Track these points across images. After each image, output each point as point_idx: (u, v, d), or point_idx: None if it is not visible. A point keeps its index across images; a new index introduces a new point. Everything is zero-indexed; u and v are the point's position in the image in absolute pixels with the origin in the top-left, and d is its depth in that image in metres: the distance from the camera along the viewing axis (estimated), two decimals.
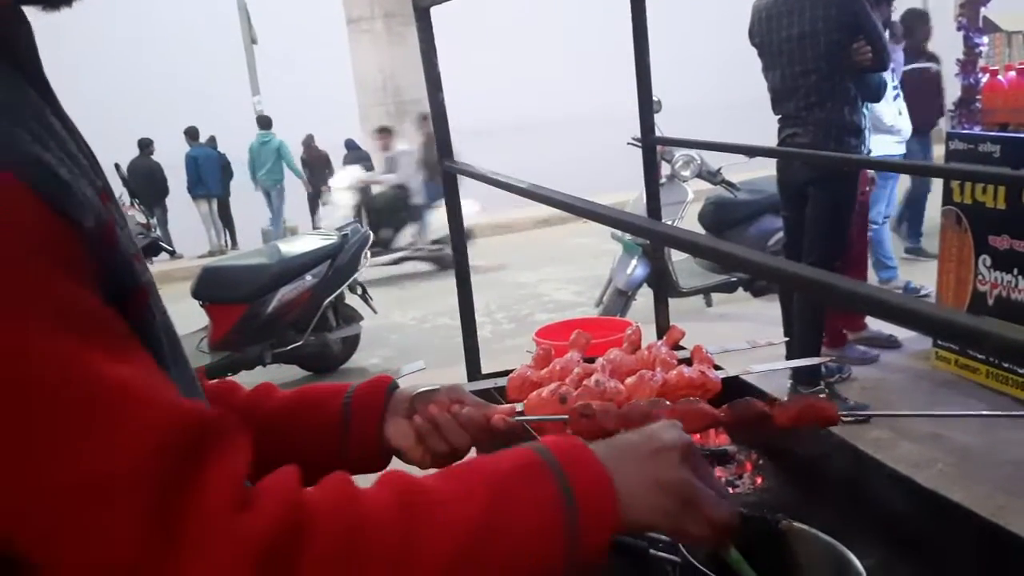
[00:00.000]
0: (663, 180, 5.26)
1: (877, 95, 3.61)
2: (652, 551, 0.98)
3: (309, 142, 13.47)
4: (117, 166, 9.83)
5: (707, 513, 0.74)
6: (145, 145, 12.14)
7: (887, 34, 4.78)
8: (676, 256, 5.18)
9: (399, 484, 0.64)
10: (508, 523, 0.64)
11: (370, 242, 5.45)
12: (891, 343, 4.24)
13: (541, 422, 1.24)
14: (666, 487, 0.72)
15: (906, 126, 4.76)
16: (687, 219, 5.37)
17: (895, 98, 4.68)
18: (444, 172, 1.40)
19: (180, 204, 12.64)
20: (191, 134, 12.50)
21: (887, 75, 4.22)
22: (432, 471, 0.73)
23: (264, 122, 12.10)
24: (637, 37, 1.53)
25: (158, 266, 9.07)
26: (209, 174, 12.32)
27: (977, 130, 3.75)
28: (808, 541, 1.03)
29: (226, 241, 12.91)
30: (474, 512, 0.63)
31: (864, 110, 3.53)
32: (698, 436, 1.44)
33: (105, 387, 0.53)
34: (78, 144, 0.66)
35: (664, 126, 4.99)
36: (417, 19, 1.36)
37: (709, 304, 5.72)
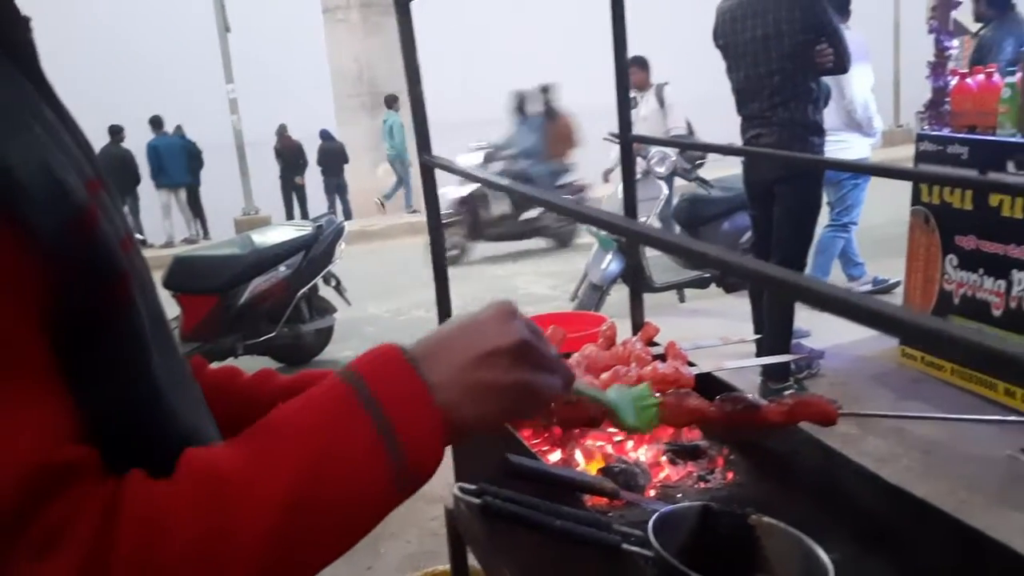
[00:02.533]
0: (639, 176, 5.29)
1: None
2: (625, 545, 0.99)
3: (282, 132, 13.37)
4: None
5: (545, 398, 0.72)
6: (116, 132, 11.99)
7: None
8: (650, 252, 5.22)
9: (198, 474, 0.59)
10: (322, 476, 0.60)
11: (344, 233, 5.43)
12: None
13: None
14: (499, 392, 0.68)
15: (880, 127, 4.83)
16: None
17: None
18: (422, 165, 1.40)
19: (152, 193, 12.51)
20: (155, 123, 12.36)
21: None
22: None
23: (390, 101, 12.18)
24: (616, 34, 1.54)
25: None
26: (171, 163, 12.20)
27: (946, 132, 3.81)
28: (776, 535, 1.05)
29: (197, 231, 12.80)
30: (281, 483, 0.59)
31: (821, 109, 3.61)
32: (671, 430, 1.46)
33: None
34: (72, 133, 0.66)
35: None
36: (397, 13, 1.36)
37: (682, 300, 5.77)
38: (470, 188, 8.44)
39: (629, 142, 1.62)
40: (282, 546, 0.58)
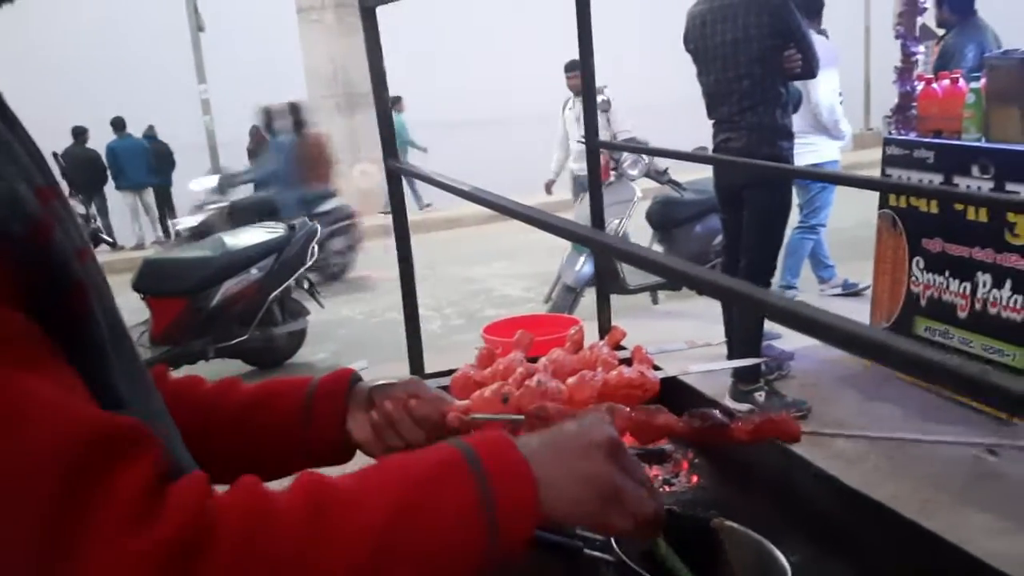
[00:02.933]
0: (611, 179, 5.32)
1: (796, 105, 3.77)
2: (586, 550, 1.00)
3: (255, 133, 13.29)
4: (55, 155, 9.57)
5: (632, 508, 0.75)
6: (79, 133, 11.82)
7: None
8: None
9: (310, 486, 0.63)
10: (419, 523, 0.64)
11: (318, 235, 5.41)
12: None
13: (495, 420, 1.25)
14: (590, 481, 0.73)
15: (848, 132, 4.89)
16: (635, 217, 5.44)
17: (842, 103, 4.81)
18: (388, 171, 1.40)
19: (116, 195, 12.37)
20: (117, 125, 12.20)
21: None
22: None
23: (394, 101, 12.00)
24: (582, 40, 1.55)
25: (98, 257, 8.86)
26: (130, 165, 12.06)
27: (913, 136, 3.86)
28: (737, 538, 1.06)
29: (167, 232, 12.68)
30: (382, 514, 0.63)
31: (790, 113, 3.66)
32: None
33: (5, 396, 0.53)
34: (22, 141, 0.66)
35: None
36: (363, 19, 1.36)
37: (655, 301, 5.80)
38: None
39: (596, 148, 1.63)
40: (366, 571, 0.61)
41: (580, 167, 6.32)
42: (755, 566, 1.04)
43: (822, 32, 4.72)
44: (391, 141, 1.41)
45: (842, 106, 4.82)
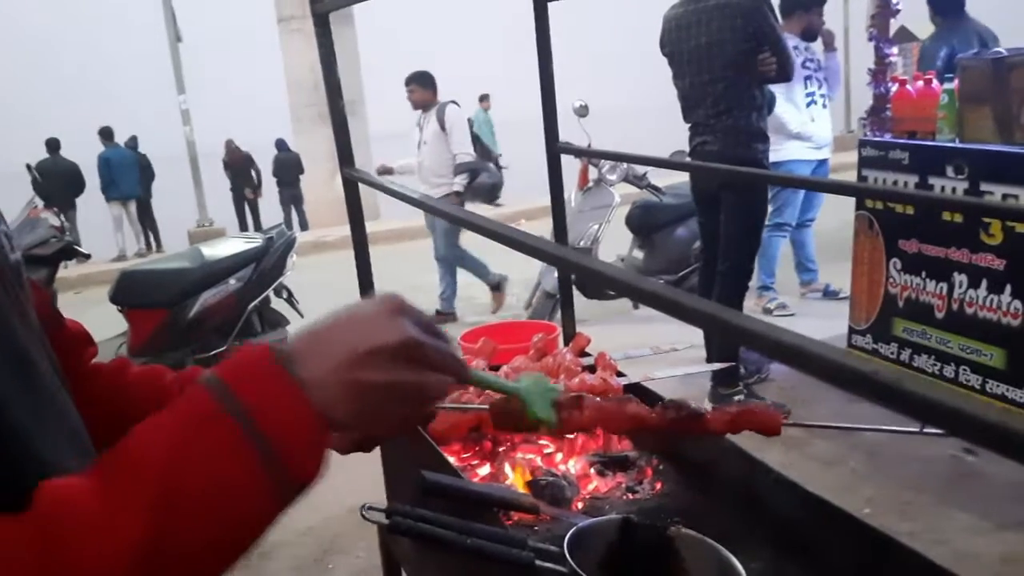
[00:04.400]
0: (590, 184, 5.31)
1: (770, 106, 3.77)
2: (539, 562, 0.98)
3: (229, 145, 13.27)
4: (29, 167, 9.48)
5: (431, 399, 0.69)
6: (54, 147, 11.73)
7: (819, 41, 4.93)
8: (605, 257, 5.22)
9: (46, 512, 0.55)
10: (186, 508, 0.56)
11: (296, 245, 5.37)
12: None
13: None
14: (376, 392, 0.64)
15: (819, 132, 4.89)
16: (615, 222, 5.43)
17: (808, 105, 4.81)
18: (344, 180, 1.38)
19: (95, 205, 12.29)
20: (105, 134, 12.14)
21: (801, 82, 4.32)
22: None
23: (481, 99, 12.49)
24: (540, 44, 1.54)
25: (74, 270, 8.78)
26: (123, 176, 12.01)
27: (887, 137, 3.87)
28: (694, 546, 1.05)
29: (149, 243, 12.62)
30: (139, 524, 0.55)
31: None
32: (600, 442, 1.45)
33: None
34: None
35: (596, 129, 5.05)
36: (316, 25, 1.34)
37: (636, 306, 5.79)
38: None
39: (556, 153, 1.61)
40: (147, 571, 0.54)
41: (435, 186, 5.87)
42: (712, 573, 1.02)
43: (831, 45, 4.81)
44: (348, 150, 1.39)
45: (813, 108, 4.83)
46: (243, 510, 0.59)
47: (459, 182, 5.76)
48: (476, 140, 6.08)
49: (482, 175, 5.80)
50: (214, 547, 0.59)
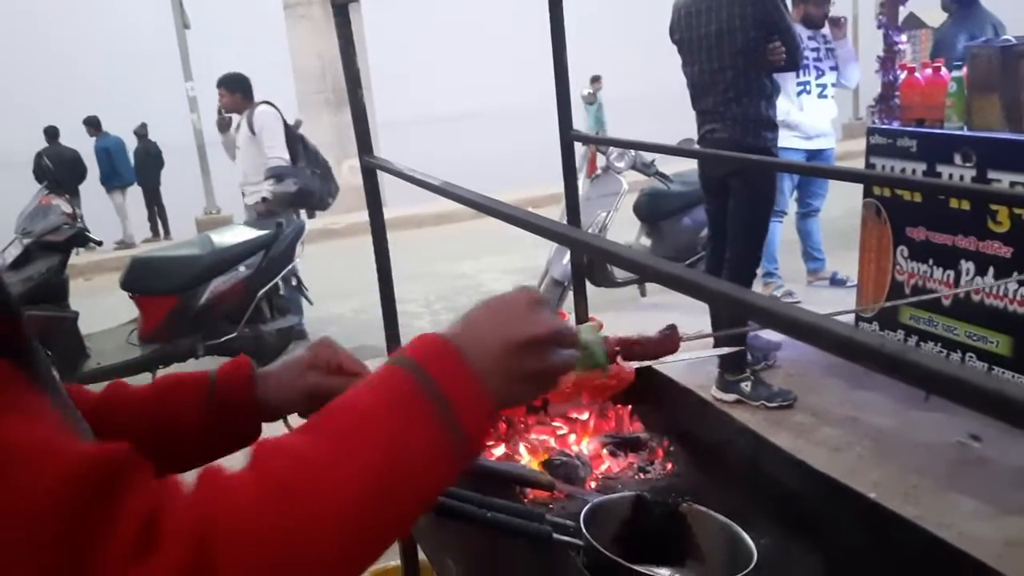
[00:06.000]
0: (599, 172, 5.33)
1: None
2: (556, 536, 1.01)
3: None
4: (41, 155, 9.52)
5: (558, 381, 0.78)
6: (53, 135, 11.76)
7: (827, 28, 4.92)
8: None
9: (278, 468, 0.61)
10: (399, 473, 0.63)
11: (305, 232, 5.40)
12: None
13: None
14: (534, 378, 0.74)
15: (808, 122, 4.86)
16: (622, 210, 5.44)
17: (799, 94, 4.81)
18: (363, 167, 1.41)
19: (94, 192, 12.34)
20: (92, 124, 12.17)
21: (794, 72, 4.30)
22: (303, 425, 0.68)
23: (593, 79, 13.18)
24: (555, 32, 1.56)
25: (84, 256, 8.83)
26: (123, 164, 12.08)
27: (896, 125, 3.88)
28: (705, 522, 1.08)
29: (157, 230, 12.67)
30: (360, 482, 0.61)
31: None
32: (612, 423, 1.48)
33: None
34: None
35: (608, 117, 5.05)
36: (335, 15, 1.37)
37: (643, 294, 5.82)
38: None
39: (570, 141, 1.64)
40: (363, 529, 0.61)
41: (249, 194, 5.61)
42: (724, 549, 1.05)
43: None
44: (366, 136, 1.42)
45: (803, 96, 4.83)
46: (437, 477, 0.67)
47: (266, 188, 5.34)
48: (302, 142, 5.71)
49: (286, 180, 5.28)
50: (410, 507, 0.66)
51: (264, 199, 5.33)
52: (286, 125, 5.62)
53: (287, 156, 5.46)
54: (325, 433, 0.64)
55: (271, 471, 0.60)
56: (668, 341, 1.20)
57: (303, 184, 5.32)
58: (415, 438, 0.65)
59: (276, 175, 5.27)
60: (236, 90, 5.68)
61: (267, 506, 0.57)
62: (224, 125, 5.91)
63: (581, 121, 13.62)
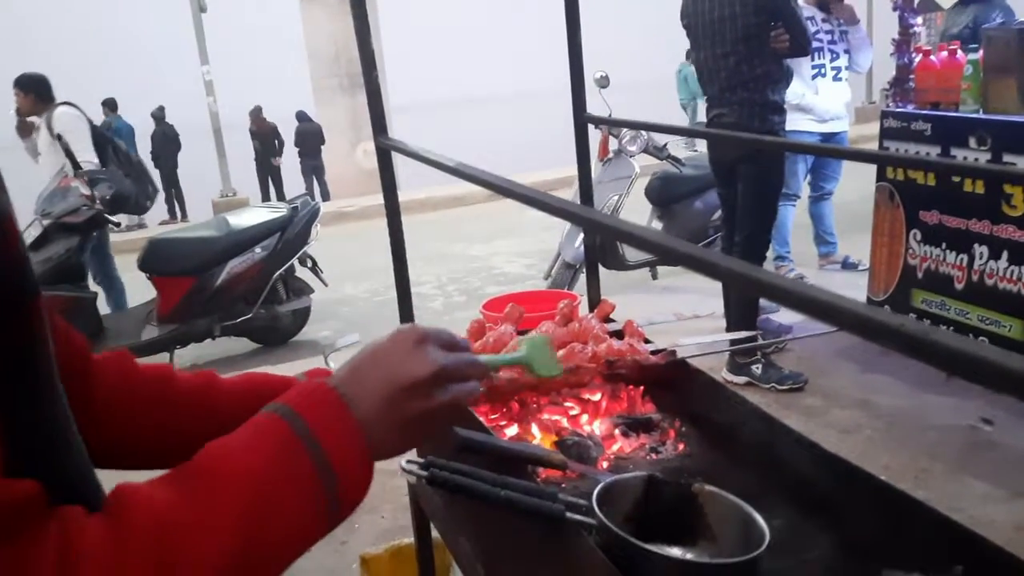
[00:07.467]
0: (611, 155, 5.32)
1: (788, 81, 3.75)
2: (568, 515, 1.03)
3: (257, 114, 13.30)
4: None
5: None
6: (112, 107, 11.86)
7: (845, 12, 4.87)
8: None
9: (143, 521, 0.57)
10: (268, 531, 0.62)
11: (320, 214, 5.43)
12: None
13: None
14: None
15: (823, 105, 4.83)
16: (634, 193, 5.44)
17: (814, 77, 4.78)
18: (378, 148, 1.43)
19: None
20: (109, 105, 12.20)
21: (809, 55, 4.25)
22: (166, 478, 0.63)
23: (688, 54, 13.46)
24: (569, 14, 1.56)
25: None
26: (128, 145, 12.14)
27: (910, 108, 3.86)
28: (718, 503, 1.10)
29: (174, 212, 12.75)
30: (228, 538, 0.59)
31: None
32: (624, 404, 1.50)
33: None
34: None
35: (616, 101, 5.05)
36: (352, 2, 1.38)
37: (655, 276, 5.82)
38: None
39: (584, 124, 1.65)
40: None
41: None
42: (736, 530, 1.07)
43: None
44: (381, 118, 1.44)
45: (818, 80, 4.80)
46: (307, 534, 0.65)
47: (79, 194, 4.84)
48: (112, 145, 5.36)
49: (100, 184, 4.90)
50: (277, 561, 0.64)
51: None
52: (92, 126, 5.33)
53: (96, 159, 5.14)
54: (193, 492, 0.60)
55: (134, 531, 0.56)
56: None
57: (117, 188, 5.00)
58: (287, 503, 0.63)
59: (88, 179, 4.88)
60: (30, 91, 5.28)
61: (128, 572, 0.54)
62: (25, 129, 5.46)
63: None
